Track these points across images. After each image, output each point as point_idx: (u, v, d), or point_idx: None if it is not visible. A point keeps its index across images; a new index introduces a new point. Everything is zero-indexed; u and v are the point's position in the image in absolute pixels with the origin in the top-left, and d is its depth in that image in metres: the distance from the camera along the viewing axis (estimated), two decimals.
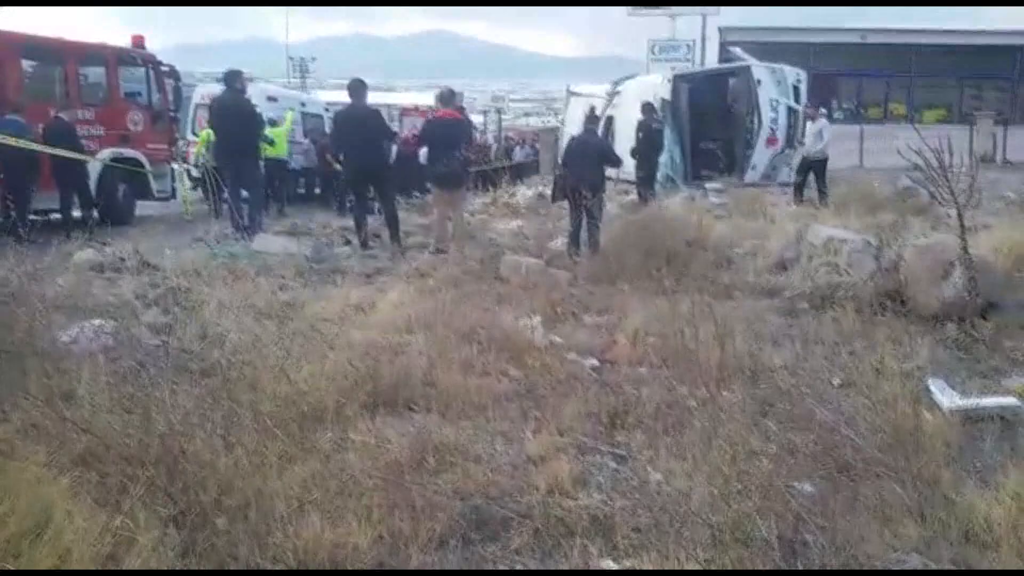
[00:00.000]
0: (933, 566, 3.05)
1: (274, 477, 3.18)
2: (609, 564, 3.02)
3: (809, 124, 15.24)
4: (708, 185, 16.04)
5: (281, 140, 16.84)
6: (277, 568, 2.76)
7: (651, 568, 2.93)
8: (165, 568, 2.57)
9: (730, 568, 2.88)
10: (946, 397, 4.71)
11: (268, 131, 16.58)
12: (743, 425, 4.06)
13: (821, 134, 14.47)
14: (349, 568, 2.84)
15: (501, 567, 3.03)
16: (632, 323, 6.32)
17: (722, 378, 4.96)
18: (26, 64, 12.78)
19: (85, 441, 2.86)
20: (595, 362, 5.65)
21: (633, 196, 14.70)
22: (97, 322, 4.71)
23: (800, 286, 7.76)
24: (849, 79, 32.98)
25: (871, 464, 3.82)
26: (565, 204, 10.35)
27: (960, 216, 6.30)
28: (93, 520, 2.53)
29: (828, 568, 2.94)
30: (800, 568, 2.99)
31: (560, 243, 10.05)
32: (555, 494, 3.49)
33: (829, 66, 31.54)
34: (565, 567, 3.01)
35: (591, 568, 3.00)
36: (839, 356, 5.78)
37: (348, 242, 10.18)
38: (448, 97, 10.88)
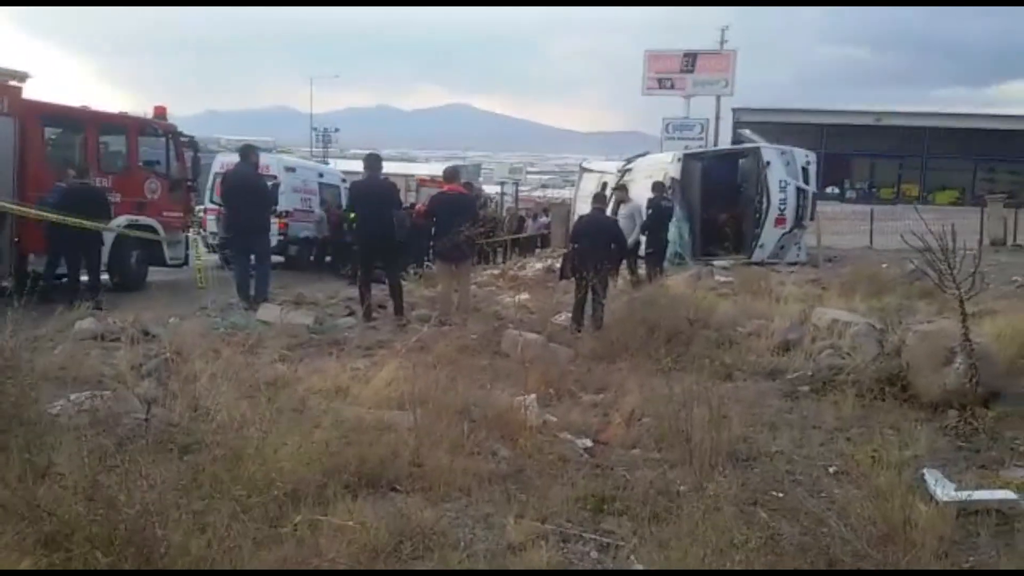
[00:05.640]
0: None
1: (245, 561, 3.14)
2: None
3: (621, 207, 14.67)
4: (715, 263, 16.07)
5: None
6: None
7: None
8: None
9: None
10: (941, 488, 4.61)
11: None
12: (732, 514, 3.99)
13: (633, 218, 14.16)
14: None
15: None
16: (628, 403, 6.27)
17: (715, 463, 4.90)
18: (48, 132, 13.04)
19: (53, 522, 2.84)
20: (588, 443, 5.59)
21: (642, 271, 14.71)
22: (86, 394, 4.71)
23: (802, 368, 7.71)
24: (862, 160, 33.29)
25: (859, 557, 3.74)
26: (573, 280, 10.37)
27: (961, 302, 6.25)
28: None
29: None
30: None
31: (565, 318, 10.04)
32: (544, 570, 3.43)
33: (842, 147, 31.90)
34: None
35: None
36: (836, 442, 5.73)
37: (352, 313, 10.20)
38: (453, 173, 11.11)
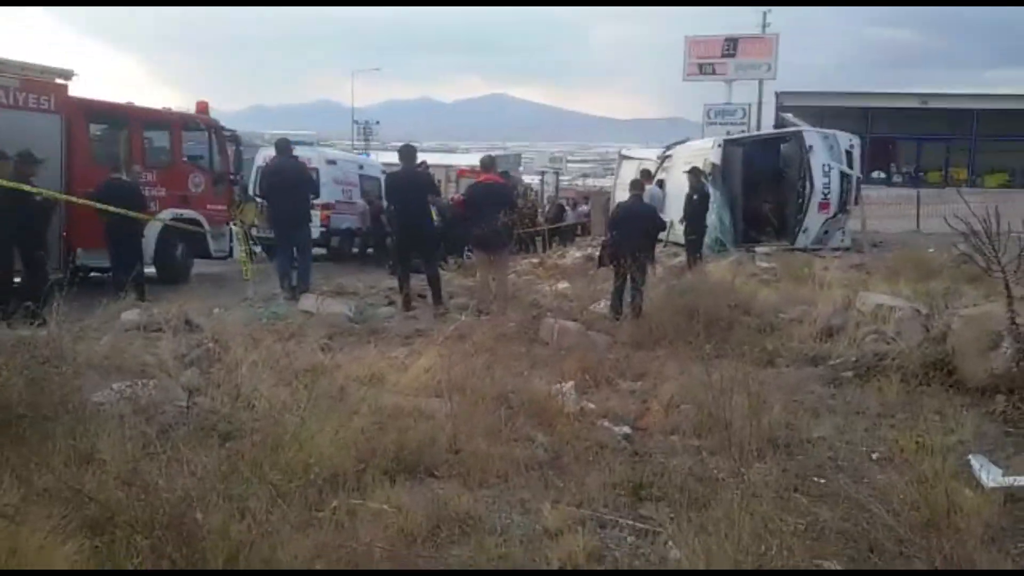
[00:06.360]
0: None
1: (284, 546, 3.18)
2: None
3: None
4: (757, 249, 15.88)
5: None
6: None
7: None
8: None
9: None
10: (988, 474, 4.52)
11: None
12: (772, 500, 3.95)
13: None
14: None
15: None
16: (668, 390, 6.23)
17: (756, 450, 4.85)
18: (94, 128, 13.27)
19: (95, 507, 2.90)
20: (627, 430, 5.56)
21: (682, 259, 14.60)
22: (129, 382, 4.81)
23: (846, 354, 7.59)
24: (908, 143, 32.61)
25: (902, 544, 3.68)
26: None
27: (1007, 285, 6.12)
28: None
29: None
30: None
31: (604, 306, 10.01)
32: (567, 570, 3.42)
33: (888, 130, 31.28)
34: None
35: None
36: (880, 429, 5.64)
37: (391, 303, 10.27)
38: (489, 163, 11.14)
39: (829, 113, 27.65)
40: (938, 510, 3.84)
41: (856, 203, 18.28)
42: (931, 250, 13.91)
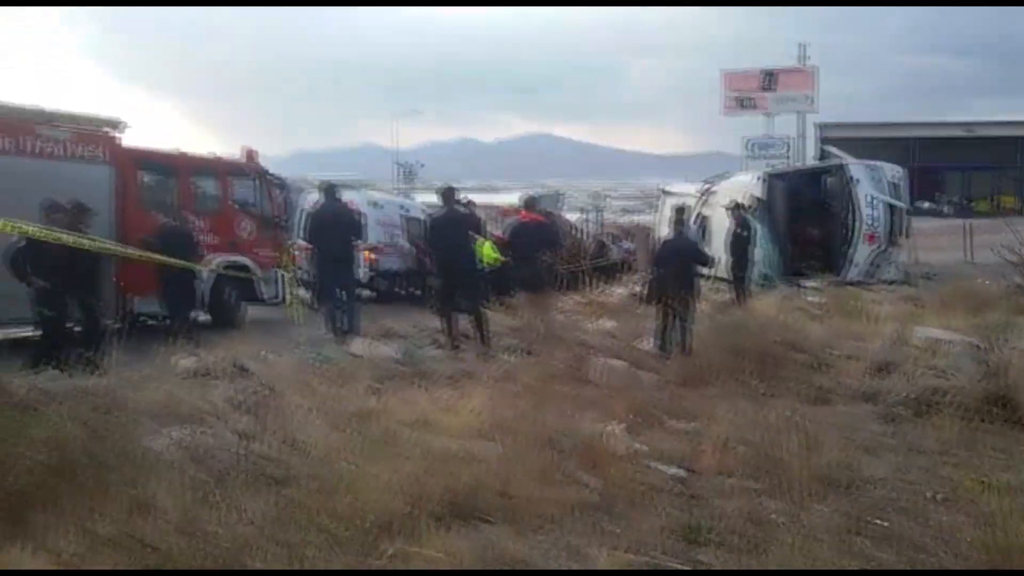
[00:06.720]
0: None
1: None
2: None
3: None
4: (805, 283, 15.69)
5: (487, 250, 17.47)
6: None
7: None
8: None
9: None
10: None
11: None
12: (830, 544, 3.88)
13: None
14: None
15: None
16: (720, 430, 6.14)
17: (812, 491, 4.77)
18: (145, 176, 13.54)
19: (154, 556, 2.94)
20: (680, 471, 5.49)
21: (728, 294, 14.45)
22: (185, 430, 4.88)
23: (901, 391, 7.44)
24: (955, 173, 32.21)
25: None
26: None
27: None
28: None
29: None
30: None
31: (650, 343, 9.94)
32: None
33: (934, 160, 30.93)
34: None
35: None
36: (940, 467, 5.51)
37: (438, 344, 10.28)
38: (531, 202, 11.21)
39: (873, 144, 27.46)
40: (1005, 552, 3.74)
41: (906, 235, 18.03)
42: (986, 282, 13.63)
